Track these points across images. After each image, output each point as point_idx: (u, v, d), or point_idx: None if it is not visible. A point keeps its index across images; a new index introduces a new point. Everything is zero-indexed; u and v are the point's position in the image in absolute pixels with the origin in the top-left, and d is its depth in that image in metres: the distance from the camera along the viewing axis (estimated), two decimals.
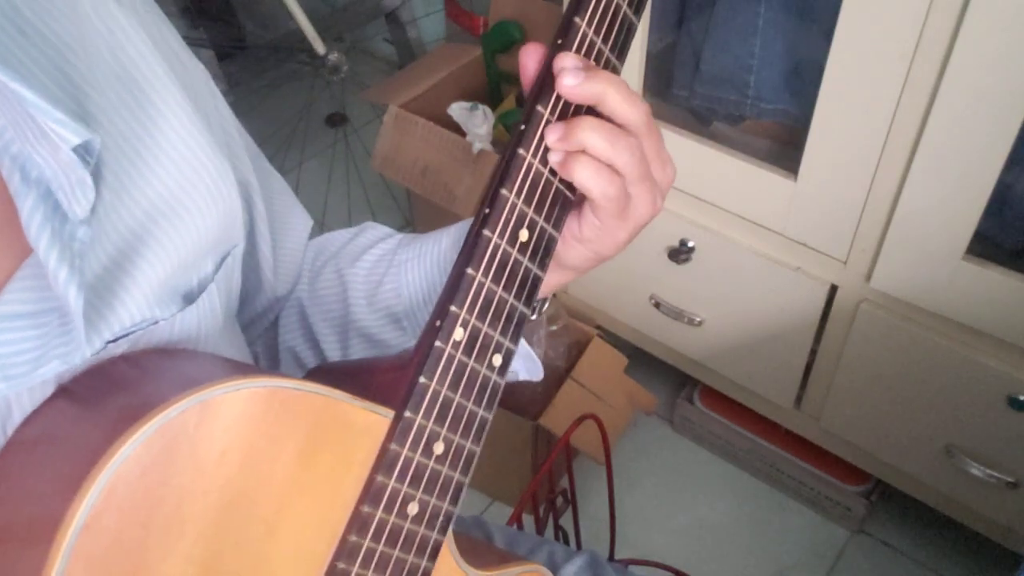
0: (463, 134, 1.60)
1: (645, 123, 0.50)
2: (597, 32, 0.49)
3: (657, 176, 0.52)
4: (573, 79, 0.47)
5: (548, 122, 0.48)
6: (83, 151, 0.38)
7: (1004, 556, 1.28)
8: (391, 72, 2.37)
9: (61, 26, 0.42)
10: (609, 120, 0.49)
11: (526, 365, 0.64)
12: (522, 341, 0.61)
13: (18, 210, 0.38)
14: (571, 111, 0.49)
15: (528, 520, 1.36)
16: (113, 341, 0.43)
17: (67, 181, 0.38)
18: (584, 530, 1.28)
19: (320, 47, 1.93)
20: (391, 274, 0.63)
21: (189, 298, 0.48)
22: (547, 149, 0.49)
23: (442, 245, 0.63)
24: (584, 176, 0.49)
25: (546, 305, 0.63)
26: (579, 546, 1.26)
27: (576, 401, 1.41)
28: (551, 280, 0.59)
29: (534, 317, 0.60)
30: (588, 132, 0.48)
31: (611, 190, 0.49)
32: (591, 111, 0.50)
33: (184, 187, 0.47)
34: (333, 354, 0.67)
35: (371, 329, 0.64)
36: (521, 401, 1.46)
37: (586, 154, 0.48)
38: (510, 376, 0.63)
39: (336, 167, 2.18)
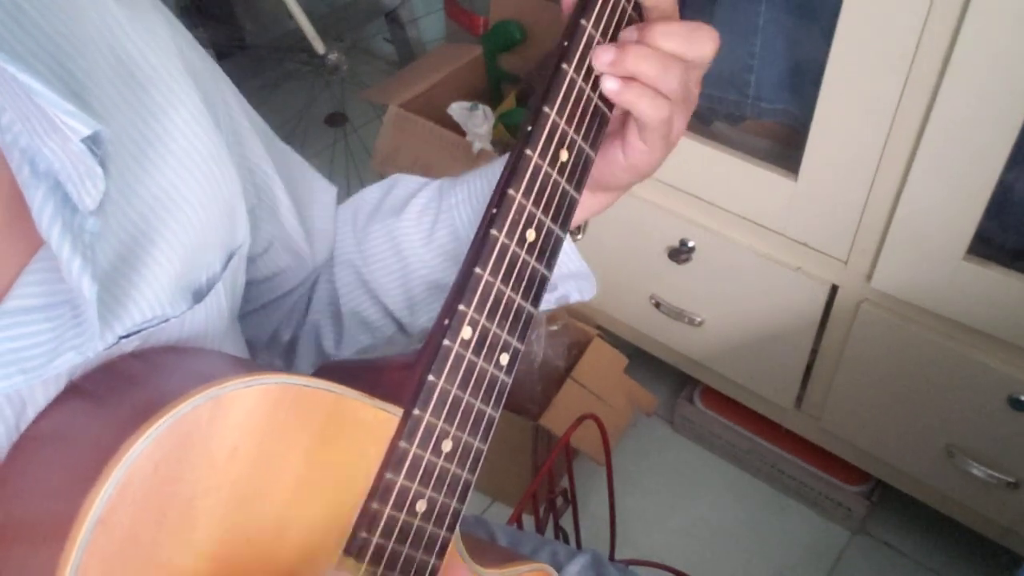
0: (463, 134, 1.60)
1: (714, 49, 0.51)
2: (604, 35, 0.49)
3: (694, 91, 0.54)
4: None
5: (556, 118, 0.48)
6: (91, 142, 0.38)
7: (1004, 556, 1.28)
8: (391, 72, 2.36)
9: (58, 19, 0.42)
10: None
11: (578, 284, 0.65)
12: (575, 256, 0.62)
13: (29, 203, 0.38)
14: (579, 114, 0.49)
15: (528, 520, 1.36)
16: (125, 337, 0.43)
17: (76, 172, 0.38)
18: (584, 530, 1.28)
19: (320, 47, 1.93)
20: (443, 219, 0.63)
21: (198, 296, 0.49)
22: (556, 153, 0.49)
23: (490, 181, 0.62)
24: (644, 104, 0.49)
25: (585, 230, 0.63)
26: (579, 546, 1.26)
27: (576, 401, 1.41)
28: (592, 204, 0.60)
29: (580, 236, 0.61)
30: (640, 60, 0.48)
31: (665, 114, 0.50)
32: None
33: (186, 180, 0.47)
34: (399, 307, 0.67)
35: (433, 274, 0.65)
36: (521, 401, 1.46)
37: (639, 82, 0.49)
38: (560, 300, 0.64)
39: (336, 167, 2.17)
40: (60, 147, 0.38)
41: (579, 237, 0.62)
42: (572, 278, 0.64)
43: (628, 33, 0.50)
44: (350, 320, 0.69)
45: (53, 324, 0.40)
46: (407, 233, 0.64)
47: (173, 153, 0.46)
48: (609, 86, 0.49)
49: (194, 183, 0.47)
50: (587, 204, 0.59)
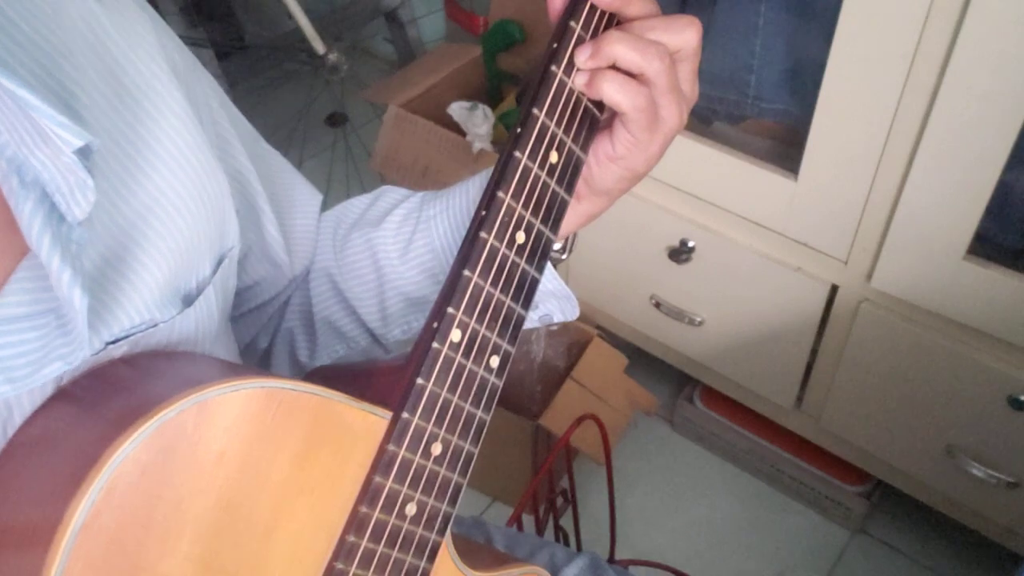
0: (463, 134, 1.60)
1: (698, 35, 0.50)
2: (592, 38, 0.49)
3: (686, 89, 0.53)
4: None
5: (546, 119, 0.48)
6: (81, 154, 0.38)
7: (1004, 556, 1.28)
8: (391, 72, 2.36)
9: (45, 26, 0.42)
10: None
11: (560, 305, 0.64)
12: (555, 278, 0.61)
13: (17, 213, 0.38)
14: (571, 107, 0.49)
15: (528, 520, 1.36)
16: (113, 343, 0.43)
17: (66, 184, 0.38)
18: (584, 530, 1.28)
19: (320, 47, 1.93)
20: (420, 231, 0.63)
21: (188, 300, 0.48)
22: (546, 155, 0.49)
23: (470, 195, 0.62)
24: (612, 90, 0.49)
25: (575, 242, 0.62)
26: (579, 547, 1.26)
27: (576, 401, 1.41)
28: (585, 209, 0.59)
29: (564, 256, 0.61)
30: (616, 44, 0.48)
31: (640, 100, 0.49)
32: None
33: (174, 187, 0.47)
34: (372, 318, 0.66)
35: (407, 287, 0.64)
36: (521, 401, 1.46)
37: (612, 70, 0.49)
38: (544, 319, 0.64)
39: (336, 167, 2.17)
40: (50, 158, 0.38)
41: (564, 257, 0.61)
42: (554, 297, 0.63)
43: (609, 32, 0.50)
44: (323, 329, 0.68)
45: (39, 333, 0.39)
46: (384, 244, 0.64)
47: (162, 160, 0.46)
48: (578, 80, 0.49)
49: (183, 190, 0.47)
50: (579, 210, 0.59)
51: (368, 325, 0.67)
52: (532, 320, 0.65)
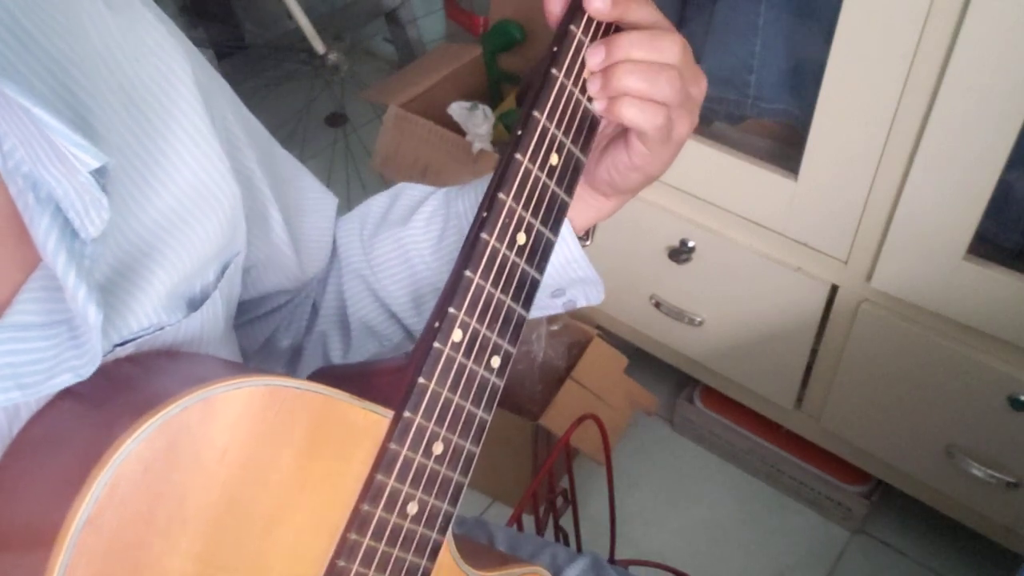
0: (463, 134, 1.60)
1: (680, 50, 0.51)
2: (593, 40, 0.50)
3: (692, 92, 0.54)
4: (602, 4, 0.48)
5: (547, 122, 0.48)
6: (96, 173, 0.38)
7: (1004, 556, 1.28)
8: (391, 72, 2.37)
9: (61, 39, 0.42)
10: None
11: (585, 290, 0.65)
12: (584, 262, 0.62)
13: (32, 229, 0.38)
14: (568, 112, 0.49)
15: (528, 520, 1.36)
16: (120, 345, 0.43)
17: (80, 202, 0.38)
18: (584, 530, 1.28)
19: (320, 46, 1.93)
20: (451, 227, 0.63)
21: (193, 305, 0.49)
22: (546, 157, 0.49)
23: None
24: (632, 114, 0.50)
25: (593, 236, 0.63)
26: (579, 547, 1.26)
27: (576, 401, 1.41)
28: (603, 207, 0.60)
29: (588, 243, 0.61)
30: (627, 77, 0.49)
31: (659, 120, 0.51)
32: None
33: (183, 203, 0.47)
34: (407, 314, 0.67)
35: (441, 282, 0.64)
36: (521, 401, 1.46)
37: (630, 95, 0.50)
38: (567, 305, 0.64)
39: (336, 167, 2.18)
40: (65, 176, 0.38)
41: (588, 243, 0.62)
42: (580, 284, 0.64)
43: (595, 49, 0.50)
44: (358, 329, 0.69)
45: (51, 343, 0.40)
46: (415, 241, 0.64)
47: (174, 175, 0.46)
48: (596, 107, 0.51)
49: (192, 204, 0.48)
50: (598, 207, 0.60)
51: (403, 321, 0.68)
52: (556, 307, 0.66)
